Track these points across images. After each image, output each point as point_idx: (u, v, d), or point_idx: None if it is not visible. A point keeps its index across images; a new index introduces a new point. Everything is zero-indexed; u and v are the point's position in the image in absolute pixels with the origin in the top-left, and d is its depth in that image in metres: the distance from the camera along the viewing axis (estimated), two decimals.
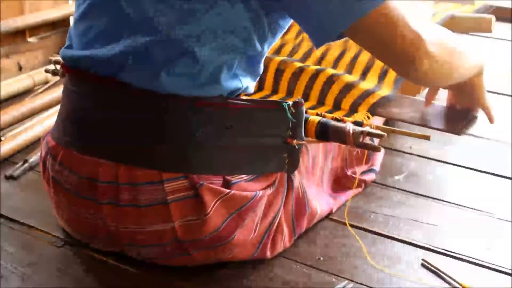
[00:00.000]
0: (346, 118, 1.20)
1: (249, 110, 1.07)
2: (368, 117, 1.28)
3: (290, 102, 1.08)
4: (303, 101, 1.10)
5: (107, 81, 1.06)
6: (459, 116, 1.31)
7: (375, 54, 1.09)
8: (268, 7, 1.02)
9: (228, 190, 1.06)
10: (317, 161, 1.31)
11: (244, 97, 1.10)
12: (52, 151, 1.15)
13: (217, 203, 1.06)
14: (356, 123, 1.16)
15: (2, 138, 1.58)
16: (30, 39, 2.17)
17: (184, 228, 1.07)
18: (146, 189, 1.06)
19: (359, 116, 1.30)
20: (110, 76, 1.06)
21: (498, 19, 1.64)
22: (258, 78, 1.14)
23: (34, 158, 1.51)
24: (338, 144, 1.37)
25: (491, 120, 1.34)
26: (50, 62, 1.39)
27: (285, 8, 1.03)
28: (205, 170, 1.06)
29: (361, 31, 1.01)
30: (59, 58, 1.37)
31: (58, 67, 1.37)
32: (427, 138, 1.13)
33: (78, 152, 1.10)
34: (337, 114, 1.28)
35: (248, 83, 1.10)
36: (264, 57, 1.12)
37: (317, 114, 1.21)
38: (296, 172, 1.19)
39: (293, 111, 1.08)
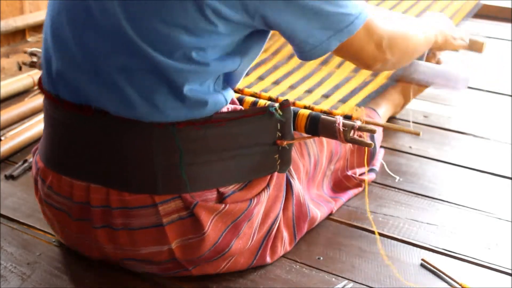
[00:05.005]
0: (335, 112, 1.18)
1: (235, 122, 1.04)
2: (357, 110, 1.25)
3: (277, 105, 1.06)
4: (290, 101, 1.09)
5: (85, 110, 1.03)
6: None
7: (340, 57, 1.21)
8: (252, 27, 1.01)
9: (223, 205, 1.05)
10: (319, 165, 1.31)
11: (228, 110, 1.07)
12: (41, 173, 1.13)
13: (214, 219, 1.06)
14: (345, 117, 1.15)
15: (2, 138, 1.58)
16: (30, 39, 2.17)
17: (182, 248, 1.07)
18: (140, 213, 1.04)
19: (348, 107, 1.28)
20: (86, 105, 1.03)
21: (494, 18, 1.65)
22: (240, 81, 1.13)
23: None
24: (343, 145, 1.36)
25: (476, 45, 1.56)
26: (25, 53, 1.37)
27: (272, 27, 1.02)
28: (197, 187, 1.04)
29: (341, 49, 1.05)
30: (36, 49, 1.35)
31: (35, 59, 1.35)
32: (417, 134, 1.12)
33: (68, 177, 1.08)
34: (326, 104, 1.28)
35: (231, 94, 1.08)
36: (247, 65, 1.10)
37: (305, 107, 1.20)
38: (296, 177, 1.19)
39: (280, 113, 1.07)
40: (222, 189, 1.06)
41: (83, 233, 1.10)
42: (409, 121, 1.71)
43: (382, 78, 1.43)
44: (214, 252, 1.09)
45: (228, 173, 1.06)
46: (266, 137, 1.08)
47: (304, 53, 1.04)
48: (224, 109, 1.06)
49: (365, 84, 1.39)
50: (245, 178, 1.09)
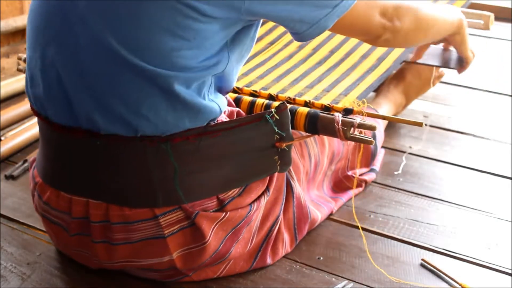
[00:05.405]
0: (335, 106, 1.17)
1: (231, 131, 1.03)
2: (359, 105, 1.23)
3: (273, 110, 1.05)
4: (286, 104, 1.07)
5: (74, 132, 1.01)
6: (452, 56, 1.50)
7: (348, 35, 1.16)
8: (241, 21, 0.97)
9: (223, 213, 1.05)
10: (320, 166, 1.30)
11: (224, 120, 1.05)
12: (38, 188, 1.12)
13: (215, 228, 1.05)
14: (346, 111, 1.14)
15: (2, 138, 1.58)
16: None
17: (183, 257, 1.06)
18: (140, 227, 1.04)
19: (349, 101, 1.26)
20: (76, 127, 1.01)
21: (494, 18, 1.64)
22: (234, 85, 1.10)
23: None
24: (345, 146, 1.36)
25: (458, 71, 1.45)
26: (19, 59, 1.37)
27: (263, 17, 0.99)
28: (197, 197, 1.03)
29: (342, 24, 1.02)
30: None
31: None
32: (419, 125, 1.11)
33: (66, 193, 1.07)
34: (327, 99, 1.27)
35: (225, 103, 1.06)
36: (238, 64, 1.06)
37: (306, 103, 1.19)
38: (296, 178, 1.19)
39: (277, 117, 1.05)
40: (221, 196, 1.06)
41: (82, 247, 1.10)
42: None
43: (383, 67, 1.43)
44: (214, 259, 1.09)
45: (226, 178, 1.05)
46: (264, 141, 1.07)
47: (301, 34, 1.01)
48: (221, 117, 1.04)
49: (366, 74, 1.39)
50: (245, 182, 1.08)
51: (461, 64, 1.44)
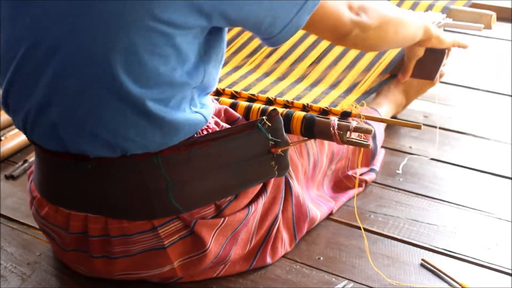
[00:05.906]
0: (334, 109, 1.17)
1: (222, 140, 1.02)
2: (356, 107, 1.22)
3: (265, 117, 1.04)
4: (277, 110, 1.07)
5: (62, 156, 1.01)
6: (429, 64, 1.48)
7: (318, 34, 1.13)
8: (208, 28, 0.95)
9: (222, 219, 1.05)
10: (319, 165, 1.30)
11: (212, 125, 1.05)
12: (36, 203, 1.12)
13: (215, 234, 1.05)
14: (344, 114, 1.14)
15: (2, 138, 1.58)
16: None
17: (184, 266, 1.07)
18: (139, 239, 1.04)
19: (347, 103, 1.25)
20: (64, 152, 1.00)
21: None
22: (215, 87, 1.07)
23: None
24: (345, 146, 1.36)
25: (465, 46, 1.45)
26: None
27: (233, 22, 0.96)
28: (194, 205, 1.03)
29: (313, 19, 0.99)
30: None
31: None
32: (418, 127, 1.11)
33: (65, 208, 1.06)
34: (325, 101, 1.27)
35: (210, 111, 1.04)
36: (217, 69, 1.04)
37: (304, 106, 1.18)
38: (294, 177, 1.19)
39: (269, 124, 1.05)
40: (218, 202, 1.06)
41: (79, 263, 1.10)
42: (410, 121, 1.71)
43: (382, 73, 1.43)
44: (214, 263, 1.09)
45: (223, 186, 1.05)
46: (258, 148, 1.06)
47: (274, 37, 0.98)
48: (212, 124, 1.04)
49: (366, 78, 1.39)
50: (243, 188, 1.08)
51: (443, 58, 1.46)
